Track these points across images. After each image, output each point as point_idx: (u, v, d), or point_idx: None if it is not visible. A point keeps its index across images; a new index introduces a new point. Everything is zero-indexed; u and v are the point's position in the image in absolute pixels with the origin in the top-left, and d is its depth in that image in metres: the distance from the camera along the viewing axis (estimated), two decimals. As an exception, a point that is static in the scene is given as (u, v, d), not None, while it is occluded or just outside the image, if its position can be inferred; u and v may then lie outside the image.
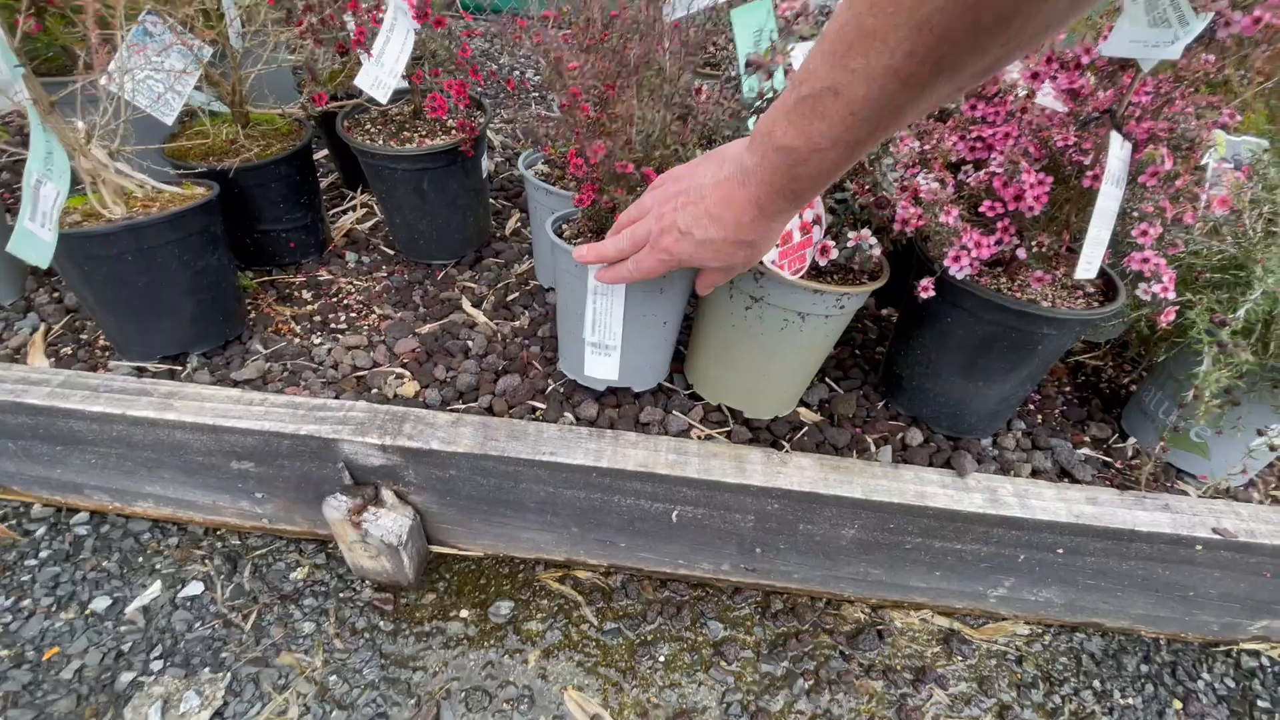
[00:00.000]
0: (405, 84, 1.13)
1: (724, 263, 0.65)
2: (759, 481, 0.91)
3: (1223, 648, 1.10)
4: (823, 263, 0.84)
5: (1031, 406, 1.13)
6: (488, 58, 2.54)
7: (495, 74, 2.30)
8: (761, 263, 0.81)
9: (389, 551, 0.96)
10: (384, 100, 1.02)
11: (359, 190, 1.52)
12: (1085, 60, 0.72)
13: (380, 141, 1.15)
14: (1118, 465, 1.03)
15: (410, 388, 1.03)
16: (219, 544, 1.10)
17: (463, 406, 1.01)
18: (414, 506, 1.00)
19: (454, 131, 1.17)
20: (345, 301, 1.21)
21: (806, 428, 1.03)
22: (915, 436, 1.02)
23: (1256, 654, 1.10)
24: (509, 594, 1.06)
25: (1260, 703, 1.03)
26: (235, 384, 1.02)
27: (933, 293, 0.84)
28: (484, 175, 1.28)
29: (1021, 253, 0.81)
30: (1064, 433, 1.08)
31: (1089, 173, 0.72)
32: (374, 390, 1.03)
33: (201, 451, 0.98)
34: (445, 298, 1.22)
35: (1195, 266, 0.91)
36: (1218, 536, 0.91)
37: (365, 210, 1.45)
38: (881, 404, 1.09)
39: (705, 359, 1.02)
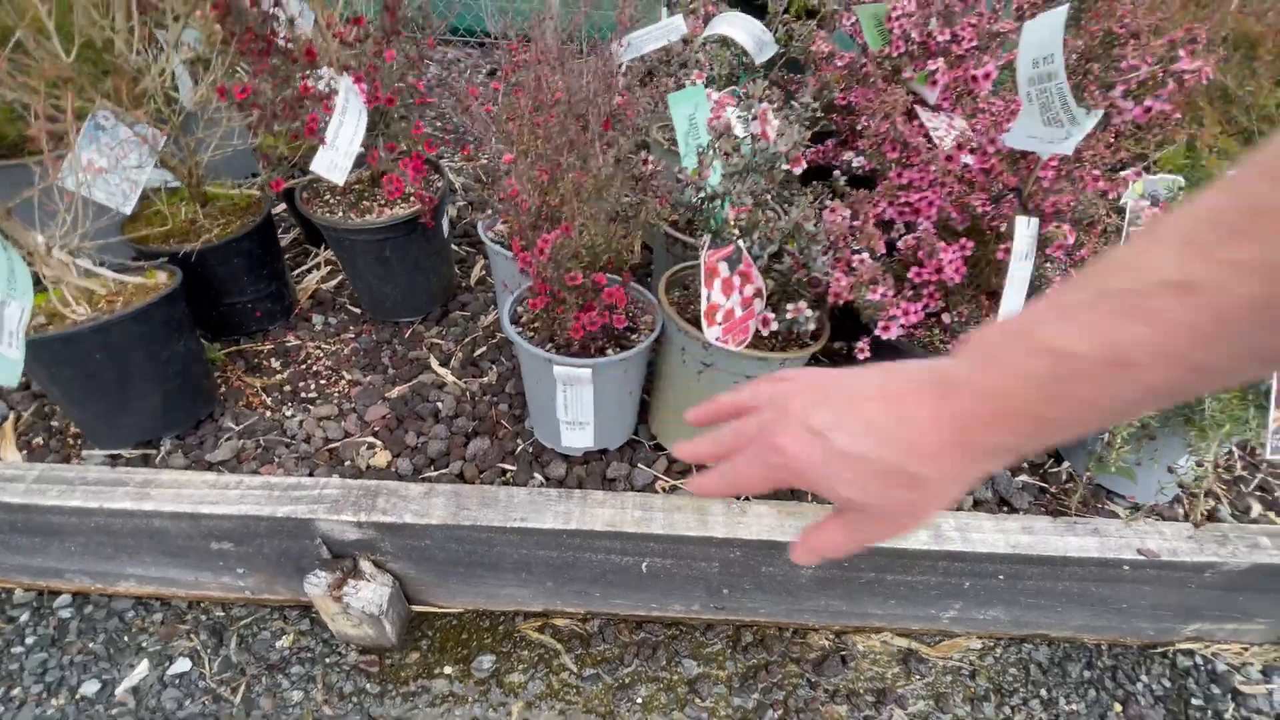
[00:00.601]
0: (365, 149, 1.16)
1: (866, 497, 0.39)
2: (720, 534, 0.97)
3: (1160, 649, 1.19)
4: (764, 332, 0.89)
5: (975, 434, 1.20)
6: (444, 87, 2.55)
7: (453, 106, 2.31)
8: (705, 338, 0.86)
9: (370, 620, 1.00)
10: (340, 182, 1.04)
11: (322, 247, 1.54)
12: (991, 149, 0.78)
13: (340, 213, 1.18)
14: (1053, 490, 1.11)
15: (382, 457, 1.07)
16: (203, 617, 1.13)
17: (435, 474, 1.05)
18: (392, 573, 1.04)
19: (413, 199, 1.20)
20: (314, 368, 1.24)
21: (764, 471, 1.09)
22: (865, 475, 1.08)
23: (1191, 653, 1.19)
24: (490, 647, 1.10)
25: (1194, 700, 1.12)
26: (210, 466, 1.05)
27: (869, 353, 0.90)
28: (445, 233, 1.31)
29: (946, 318, 0.88)
30: (1004, 460, 1.15)
31: (1001, 246, 0.78)
32: (347, 462, 1.06)
33: (181, 536, 1.01)
34: (413, 357, 1.26)
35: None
36: (1142, 557, 0.99)
37: (330, 268, 1.48)
38: (834, 442, 1.15)
39: (666, 415, 1.08)
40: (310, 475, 1.04)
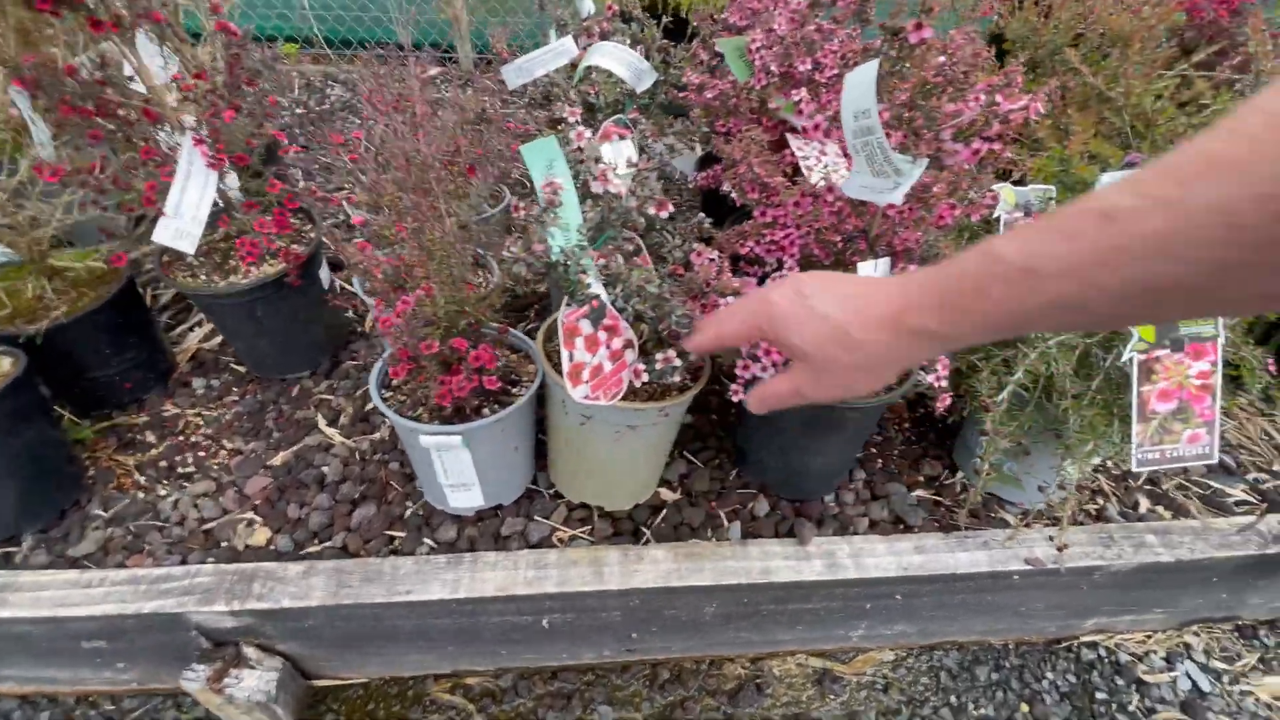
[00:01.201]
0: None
1: (817, 350, 0.48)
2: (615, 585, 0.95)
3: (1064, 644, 1.22)
4: (638, 383, 0.87)
5: (874, 450, 1.22)
6: (348, 110, 2.45)
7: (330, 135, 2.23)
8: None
9: (260, 707, 0.95)
10: (191, 250, 0.98)
11: (205, 300, 1.46)
12: (830, 198, 0.78)
13: (203, 277, 1.11)
14: (947, 503, 1.13)
15: (262, 535, 1.02)
16: (92, 712, 1.07)
17: (318, 548, 1.00)
18: (283, 654, 1.00)
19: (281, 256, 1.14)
20: (193, 438, 1.17)
21: (666, 509, 1.08)
22: (762, 506, 1.08)
23: (1095, 645, 1.23)
24: (400, 714, 1.07)
25: (1099, 694, 1.16)
26: (74, 561, 0.98)
27: (743, 395, 0.89)
28: (325, 284, 1.25)
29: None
30: (900, 475, 1.17)
31: None
32: (224, 544, 1.01)
33: (48, 639, 0.95)
34: (300, 418, 1.20)
35: (983, 328, 1.00)
36: (1030, 566, 1.01)
37: (211, 325, 1.40)
38: (735, 472, 1.15)
39: (560, 465, 1.05)
40: (182, 563, 0.98)
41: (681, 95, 1.25)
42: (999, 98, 0.63)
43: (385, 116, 1.00)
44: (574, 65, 1.41)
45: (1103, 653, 1.22)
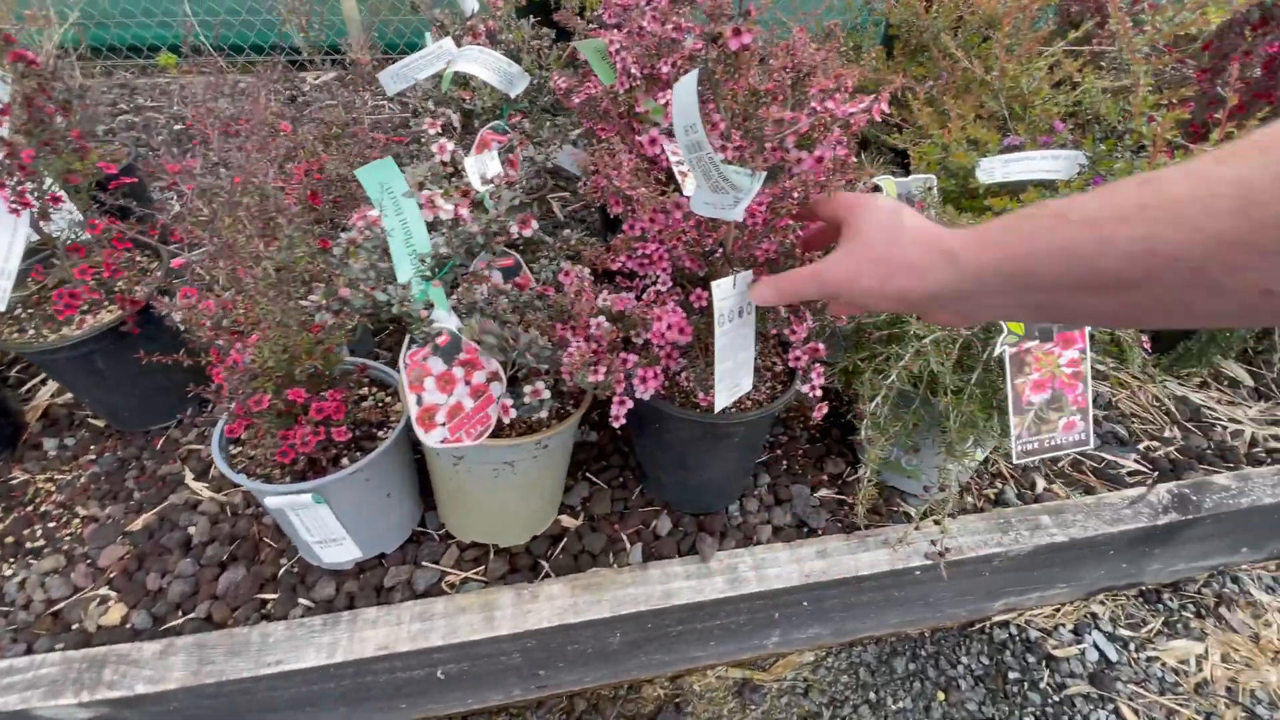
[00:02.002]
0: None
1: (864, 246, 0.53)
2: (508, 630, 0.90)
3: (977, 626, 1.24)
4: (506, 420, 0.82)
5: (779, 451, 1.19)
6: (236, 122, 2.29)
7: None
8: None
9: (126, 803, 0.87)
10: (3, 307, 0.88)
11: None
12: (679, 214, 0.74)
13: (30, 331, 1.00)
14: (850, 501, 1.11)
15: (116, 612, 0.93)
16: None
17: (180, 619, 0.92)
18: (151, 740, 0.91)
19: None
20: (43, 508, 1.06)
21: (567, 537, 1.03)
22: (665, 524, 1.05)
23: (1006, 624, 1.25)
24: (295, 784, 1.00)
25: (1011, 674, 1.18)
26: (-109, 665, 0.87)
27: (623, 420, 0.85)
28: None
29: (684, 379, 0.84)
30: (805, 475, 1.15)
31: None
32: (74, 626, 0.91)
33: None
34: (165, 474, 1.10)
35: (866, 327, 0.98)
36: (930, 561, 1.01)
37: (67, 375, 1.28)
38: (638, 490, 1.11)
39: (445, 505, 0.99)
40: (27, 652, 0.89)
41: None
42: (830, 103, 0.60)
43: (215, 141, 0.91)
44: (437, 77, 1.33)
45: (1014, 631, 1.23)
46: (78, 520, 1.05)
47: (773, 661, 1.18)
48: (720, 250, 0.76)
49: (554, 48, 1.29)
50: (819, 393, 0.81)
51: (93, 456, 1.14)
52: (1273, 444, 1.31)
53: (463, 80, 1.31)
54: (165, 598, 0.94)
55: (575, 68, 1.29)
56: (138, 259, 1.13)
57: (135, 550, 1.00)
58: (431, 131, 1.05)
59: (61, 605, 0.94)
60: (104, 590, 0.95)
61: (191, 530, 1.02)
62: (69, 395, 1.24)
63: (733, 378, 0.76)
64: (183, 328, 0.77)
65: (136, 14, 2.86)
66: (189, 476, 1.10)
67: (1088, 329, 0.85)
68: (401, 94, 1.40)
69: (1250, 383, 1.44)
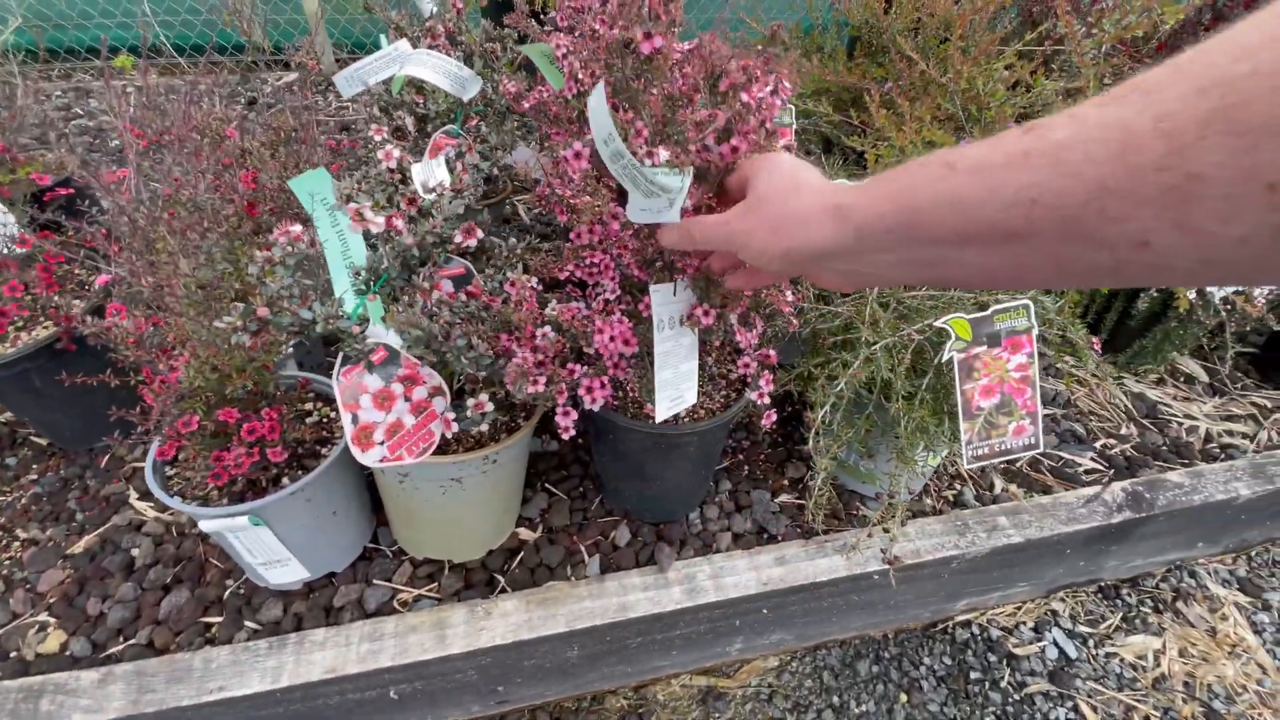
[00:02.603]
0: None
1: (762, 200, 0.52)
2: (460, 648, 0.89)
3: (939, 626, 1.24)
4: (449, 434, 0.80)
5: (740, 456, 1.19)
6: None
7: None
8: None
9: (65, 837, 0.84)
10: (-82, 325, 0.84)
11: None
12: (615, 226, 0.72)
13: (-43, 349, 0.96)
14: (810, 506, 1.11)
15: (55, 639, 0.89)
16: None
17: (121, 645, 0.89)
18: (92, 771, 0.88)
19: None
20: (-21, 532, 1.03)
21: (524, 551, 1.02)
22: (624, 534, 1.04)
23: (968, 624, 1.25)
24: (248, 809, 0.97)
25: (973, 674, 1.18)
26: None
27: (573, 432, 0.84)
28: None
29: (634, 389, 0.83)
30: (766, 480, 1.15)
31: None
32: (12, 654, 0.88)
33: None
34: (109, 494, 1.07)
35: (820, 333, 0.98)
36: (887, 565, 1.01)
37: (9, 392, 1.24)
38: (598, 499, 1.10)
39: (397, 523, 0.97)
40: (-43, 684, 0.85)
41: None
42: (744, 95, 0.59)
43: (147, 149, 0.88)
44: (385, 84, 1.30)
45: (976, 630, 1.24)
46: (17, 544, 1.01)
47: (737, 668, 1.17)
48: (661, 259, 0.75)
49: (507, 50, 1.26)
50: (767, 400, 0.80)
51: (34, 476, 1.10)
52: (1226, 440, 1.33)
53: (417, 84, 1.29)
54: (105, 623, 0.91)
55: (529, 71, 1.27)
56: (76, 272, 1.09)
57: (76, 574, 0.97)
58: (377, 138, 1.02)
59: (-3, 634, 0.91)
60: (43, 616, 0.92)
61: (134, 552, 0.99)
62: (9, 413, 1.20)
63: (674, 388, 0.75)
64: (109, 347, 0.74)
65: (95, 15, 2.78)
66: (133, 496, 1.07)
67: (1035, 334, 0.85)
68: (359, 97, 1.37)
69: (1205, 378, 1.47)
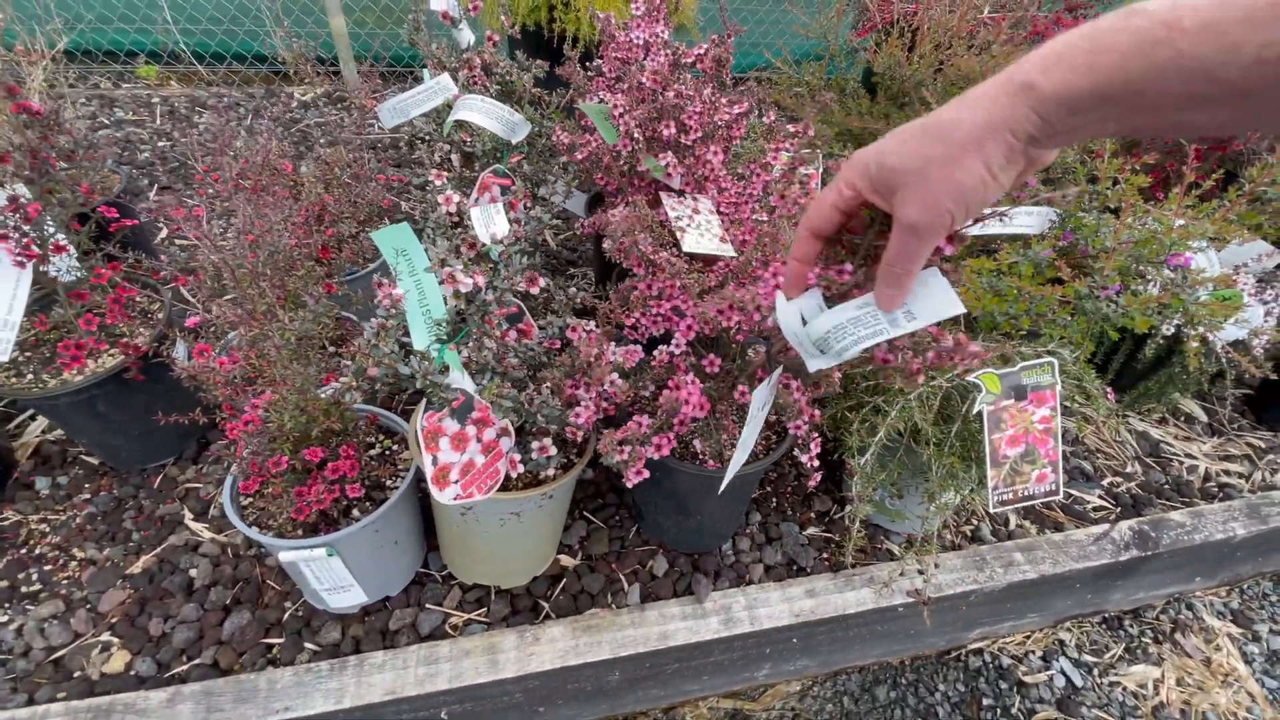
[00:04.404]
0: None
1: (919, 174, 0.42)
2: (512, 672, 0.93)
3: (953, 654, 1.30)
4: (514, 474, 0.85)
5: (769, 488, 1.24)
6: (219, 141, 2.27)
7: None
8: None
9: None
10: (5, 358, 0.88)
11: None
12: (738, 315, 0.77)
13: (29, 376, 1.00)
14: (837, 539, 1.17)
15: (119, 659, 0.93)
16: None
17: (185, 667, 0.93)
18: (154, 786, 0.92)
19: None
20: (38, 550, 1.06)
21: (566, 577, 1.07)
22: (661, 564, 1.09)
23: (980, 651, 1.31)
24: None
25: (985, 700, 1.24)
26: (-111, 718, 0.87)
27: (637, 480, 0.88)
28: (186, 357, 1.15)
29: (698, 445, 0.88)
30: (794, 514, 1.20)
31: (739, 387, 0.79)
32: (76, 674, 0.92)
33: None
34: (164, 514, 1.11)
35: (853, 378, 1.03)
36: (912, 599, 1.07)
37: (58, 410, 1.27)
38: (634, 528, 1.15)
39: (450, 550, 1.02)
40: (29, 703, 0.89)
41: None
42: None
43: (228, 195, 0.93)
44: (450, 105, 1.35)
45: (988, 658, 1.30)
46: (75, 563, 1.05)
47: (762, 692, 1.22)
48: (762, 340, 0.79)
49: (553, 95, 1.32)
50: (816, 463, 0.85)
51: (88, 496, 1.14)
52: (1224, 479, 1.40)
53: (453, 128, 1.34)
54: (170, 643, 0.94)
55: (574, 117, 1.32)
56: (137, 298, 1.13)
57: (136, 594, 1.00)
58: (438, 183, 1.07)
59: (62, 652, 0.94)
60: (106, 636, 0.96)
61: (193, 573, 1.02)
62: (60, 431, 1.23)
63: (744, 450, 0.80)
64: (192, 386, 0.78)
65: (114, 18, 2.79)
66: (188, 517, 1.11)
67: (1058, 389, 0.91)
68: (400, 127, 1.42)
69: (1204, 418, 1.54)
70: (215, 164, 0.98)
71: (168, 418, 0.83)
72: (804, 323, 0.57)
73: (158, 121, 2.38)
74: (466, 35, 1.54)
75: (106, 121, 2.36)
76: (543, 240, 1.82)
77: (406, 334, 0.71)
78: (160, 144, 2.22)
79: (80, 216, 0.97)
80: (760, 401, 0.74)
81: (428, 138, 1.50)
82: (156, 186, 1.91)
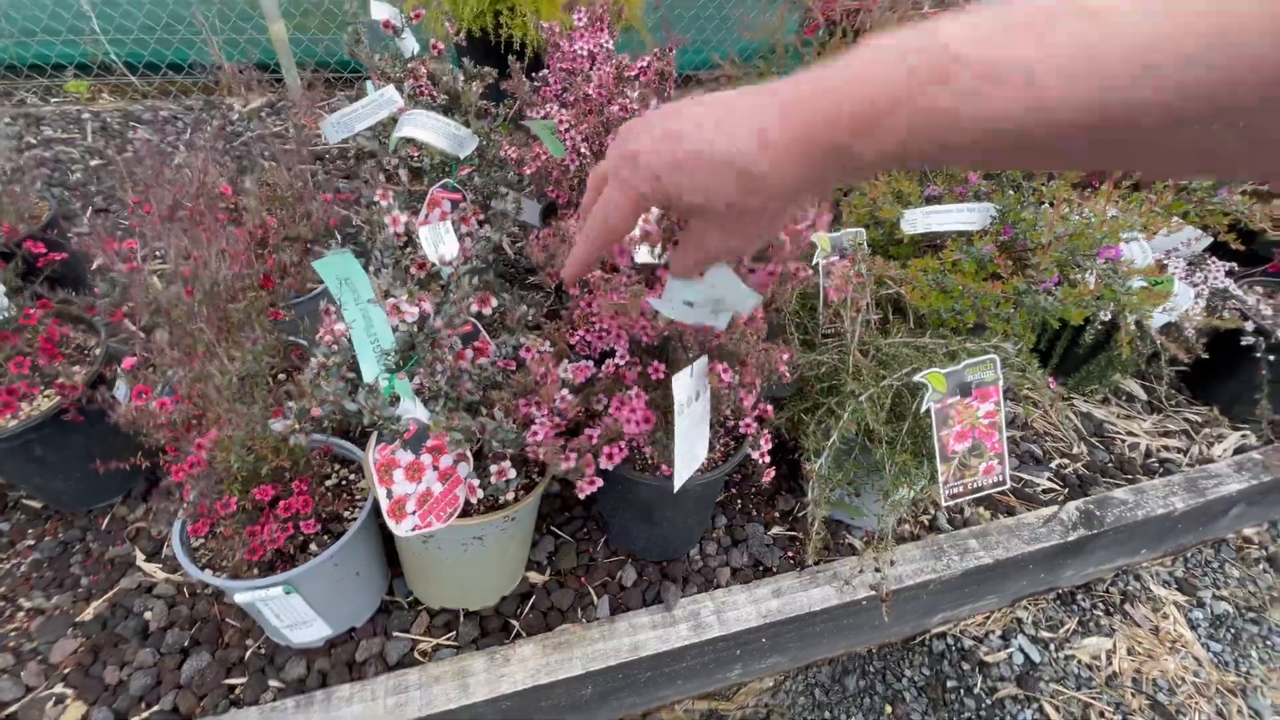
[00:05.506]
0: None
1: (709, 200, 0.39)
2: (483, 695, 0.93)
3: (918, 639, 1.34)
4: (473, 499, 0.85)
5: (734, 490, 1.26)
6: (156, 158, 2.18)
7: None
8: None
9: None
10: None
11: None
12: (644, 321, 0.78)
13: (-43, 423, 0.96)
14: (801, 537, 1.19)
15: (75, 711, 0.90)
16: None
17: (145, 713, 0.90)
18: (118, 838, 0.90)
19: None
20: (-20, 602, 1.02)
21: (535, 594, 1.07)
22: (630, 575, 1.09)
23: (943, 635, 1.36)
24: None
25: (949, 683, 1.28)
26: None
27: (591, 491, 0.89)
28: (125, 397, 1.12)
29: (650, 451, 0.89)
30: (759, 514, 1.22)
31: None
32: (28, 730, 0.89)
33: None
34: (113, 556, 1.07)
35: (808, 380, 1.06)
36: (881, 602, 1.09)
37: (-5, 453, 1.22)
38: (602, 540, 1.15)
39: (415, 577, 1.01)
40: (-24, 763, 0.86)
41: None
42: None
43: (159, 231, 0.90)
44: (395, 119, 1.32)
45: (950, 641, 1.35)
46: (22, 613, 1.01)
47: (735, 691, 1.24)
48: (677, 339, 0.81)
49: (500, 106, 1.30)
50: (768, 459, 0.87)
51: (32, 542, 1.10)
52: (1164, 454, 1.47)
53: (398, 145, 1.31)
54: (127, 691, 0.92)
55: (524, 129, 1.30)
56: (72, 335, 1.09)
57: (89, 642, 0.97)
58: (384, 203, 1.05)
59: (14, 708, 0.91)
60: (59, 688, 0.93)
61: (148, 616, 1.00)
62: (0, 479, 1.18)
63: (692, 454, 0.81)
64: (131, 430, 0.76)
65: (38, 30, 2.66)
66: (140, 557, 1.08)
67: (1001, 384, 0.94)
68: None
69: (1144, 396, 1.61)
70: (145, 195, 0.94)
71: (106, 465, 0.80)
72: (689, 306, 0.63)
73: (89, 139, 2.28)
74: (410, 44, 1.51)
75: (34, 141, 2.25)
76: (499, 250, 1.80)
77: (353, 367, 0.70)
78: (93, 162, 2.13)
79: (3, 255, 0.92)
80: (686, 394, 0.75)
81: (373, 154, 1.47)
82: (90, 210, 1.83)
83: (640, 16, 2.19)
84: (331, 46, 2.89)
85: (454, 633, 1.01)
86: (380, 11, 1.51)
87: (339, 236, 1.35)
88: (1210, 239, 1.36)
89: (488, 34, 2.03)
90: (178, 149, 2.20)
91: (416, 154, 1.36)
